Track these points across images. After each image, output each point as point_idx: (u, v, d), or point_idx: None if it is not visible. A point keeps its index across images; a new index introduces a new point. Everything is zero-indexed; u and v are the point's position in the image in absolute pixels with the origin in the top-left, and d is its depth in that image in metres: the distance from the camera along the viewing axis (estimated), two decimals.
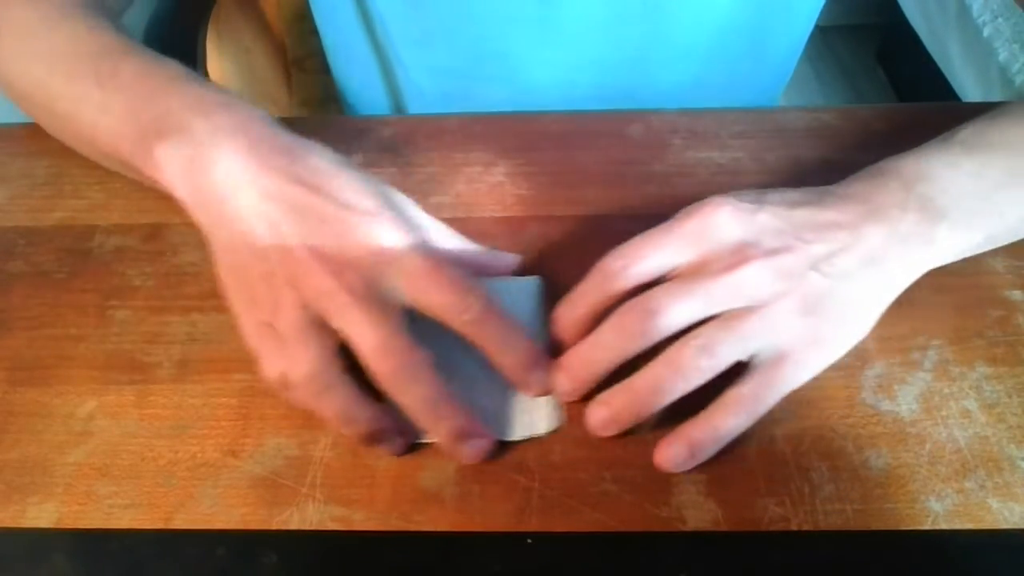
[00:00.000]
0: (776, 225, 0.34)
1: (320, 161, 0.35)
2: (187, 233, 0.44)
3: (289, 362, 0.32)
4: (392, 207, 0.35)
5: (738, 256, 0.33)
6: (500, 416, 0.36)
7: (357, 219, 0.33)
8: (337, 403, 0.33)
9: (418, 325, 0.35)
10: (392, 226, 0.33)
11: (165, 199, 0.45)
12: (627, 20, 0.56)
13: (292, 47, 0.81)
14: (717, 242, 0.34)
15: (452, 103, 0.62)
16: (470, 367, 0.36)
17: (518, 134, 0.48)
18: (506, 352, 0.34)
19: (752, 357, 0.34)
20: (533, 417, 0.36)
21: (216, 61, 0.75)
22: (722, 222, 0.34)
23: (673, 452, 0.33)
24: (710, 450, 0.33)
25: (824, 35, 1.77)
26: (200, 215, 0.34)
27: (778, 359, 0.33)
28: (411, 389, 0.33)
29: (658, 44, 0.58)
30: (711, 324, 0.33)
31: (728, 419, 0.33)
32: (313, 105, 0.83)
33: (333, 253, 0.32)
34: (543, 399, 0.36)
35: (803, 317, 0.33)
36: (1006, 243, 0.39)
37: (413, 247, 0.33)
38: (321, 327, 0.32)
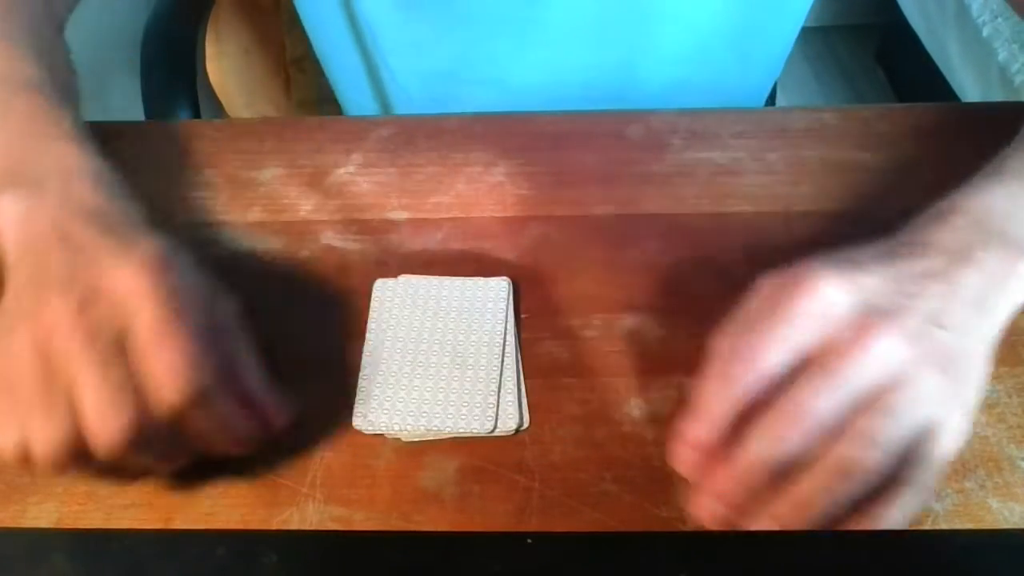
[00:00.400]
0: (882, 286, 0.32)
1: (127, 217, 0.35)
2: (188, 234, 0.44)
3: (31, 425, 0.30)
4: (178, 259, 0.33)
5: (862, 329, 0.30)
6: (467, 412, 0.36)
7: (123, 264, 0.31)
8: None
9: (392, 315, 0.38)
10: (149, 278, 0.31)
11: (165, 199, 0.45)
12: (614, 22, 0.56)
13: (291, 47, 0.81)
14: (834, 317, 0.31)
15: (440, 107, 0.62)
16: (440, 362, 0.37)
17: (518, 134, 0.48)
18: (218, 439, 0.33)
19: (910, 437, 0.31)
20: (502, 415, 0.36)
21: (216, 61, 0.75)
22: (830, 293, 0.31)
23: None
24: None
25: (824, 35, 1.77)
26: (11, 263, 0.34)
27: (933, 431, 0.30)
28: (140, 455, 0.31)
29: (645, 46, 0.58)
30: (864, 413, 0.30)
31: (895, 513, 0.31)
32: (312, 105, 0.83)
33: (88, 288, 0.31)
34: (511, 398, 0.36)
35: (944, 378, 0.31)
36: None
37: (160, 305, 0.31)
38: (56, 376, 0.30)
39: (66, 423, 0.30)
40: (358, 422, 0.36)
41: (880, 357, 0.30)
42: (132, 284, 0.31)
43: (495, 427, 0.35)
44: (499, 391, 0.37)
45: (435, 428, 0.36)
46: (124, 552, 0.33)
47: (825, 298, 0.31)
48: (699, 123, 0.48)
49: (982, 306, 0.32)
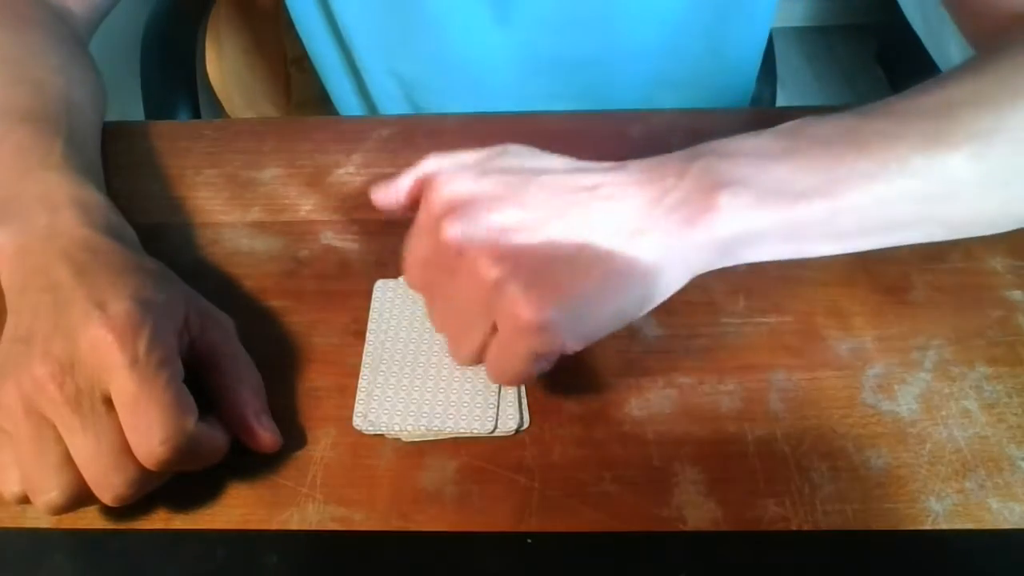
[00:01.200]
0: (499, 183, 0.33)
1: (113, 249, 0.35)
2: (188, 234, 0.44)
3: (33, 480, 0.31)
4: (150, 315, 0.32)
5: (439, 224, 0.32)
6: (467, 412, 0.36)
7: (91, 326, 0.31)
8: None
9: (393, 315, 0.39)
10: (116, 344, 0.31)
11: (165, 199, 0.45)
12: (583, 21, 0.57)
13: (291, 47, 0.81)
14: (426, 213, 0.33)
15: (418, 110, 0.63)
16: (441, 362, 0.38)
17: (517, 134, 0.48)
18: (212, 461, 0.34)
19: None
20: (502, 415, 0.36)
21: (216, 61, 0.75)
22: (438, 190, 0.33)
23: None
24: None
25: (824, 35, 1.77)
26: (9, 300, 0.34)
27: (508, 334, 0.31)
28: (144, 490, 0.32)
29: (615, 42, 0.58)
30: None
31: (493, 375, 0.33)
32: (312, 105, 0.83)
33: (65, 352, 0.31)
34: (511, 398, 0.36)
35: (525, 285, 0.30)
36: (833, 248, 0.33)
37: (130, 374, 0.30)
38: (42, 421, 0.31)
39: (66, 480, 0.31)
40: (358, 422, 0.36)
41: (444, 248, 0.32)
42: (101, 351, 0.30)
43: (495, 427, 0.35)
44: (499, 391, 0.37)
45: (435, 428, 0.36)
46: (124, 552, 0.33)
47: (429, 192, 0.33)
48: (699, 123, 0.48)
49: (638, 231, 0.31)
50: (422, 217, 0.34)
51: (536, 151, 0.36)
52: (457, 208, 0.32)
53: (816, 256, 0.33)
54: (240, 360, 0.36)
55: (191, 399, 0.32)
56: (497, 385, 0.37)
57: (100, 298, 0.32)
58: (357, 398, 0.37)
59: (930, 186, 0.32)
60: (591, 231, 0.32)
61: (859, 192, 0.31)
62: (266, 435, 0.35)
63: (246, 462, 0.35)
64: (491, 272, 0.31)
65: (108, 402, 0.31)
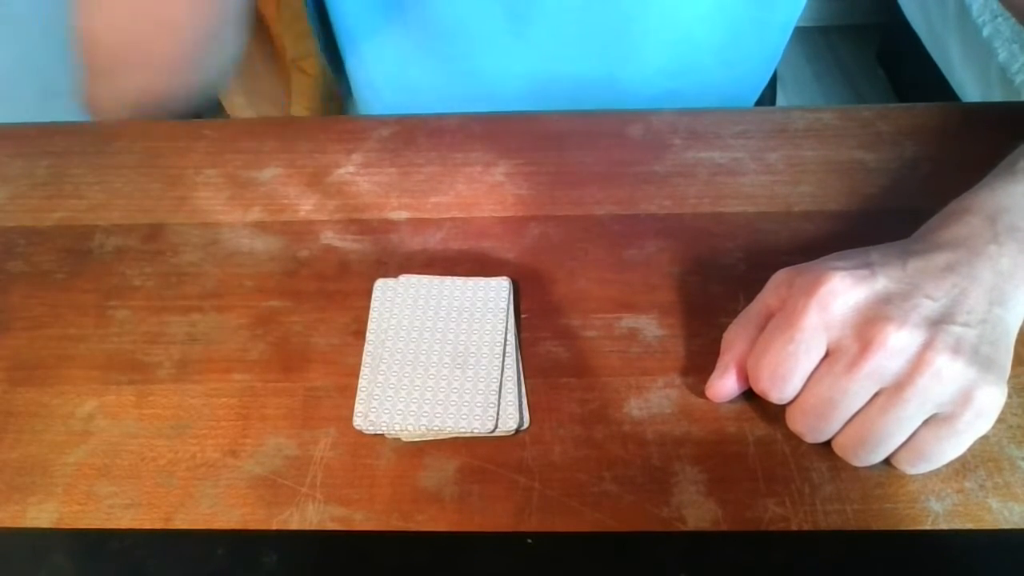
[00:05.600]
0: (898, 288, 0.32)
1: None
2: (187, 233, 0.44)
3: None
4: None
5: (878, 327, 0.31)
6: (467, 412, 0.36)
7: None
8: None
9: (393, 315, 0.38)
10: None
11: (165, 199, 0.45)
12: (597, 35, 0.57)
13: (291, 47, 0.81)
14: (847, 322, 0.32)
15: None
16: (441, 362, 0.38)
17: (518, 134, 0.48)
18: None
19: (931, 415, 0.32)
20: (503, 415, 0.36)
21: None
22: (846, 298, 0.32)
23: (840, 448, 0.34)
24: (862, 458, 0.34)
25: (824, 35, 1.77)
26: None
27: (954, 411, 0.31)
28: None
29: (629, 59, 0.59)
30: (885, 410, 0.32)
31: (902, 466, 0.33)
32: (312, 105, 0.82)
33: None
34: (511, 398, 0.36)
35: (963, 363, 0.31)
36: None
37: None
38: None
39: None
40: (358, 422, 0.36)
41: (892, 352, 0.31)
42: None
43: (495, 427, 0.35)
44: (500, 391, 0.37)
45: (435, 428, 0.36)
46: (124, 552, 0.33)
47: (838, 301, 0.32)
48: (699, 123, 0.48)
49: (997, 300, 0.32)
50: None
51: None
52: (895, 309, 0.32)
53: None
54: None
55: None
56: (497, 385, 0.37)
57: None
58: (357, 398, 0.37)
59: None
60: (983, 310, 0.32)
61: None
62: None
63: (246, 462, 0.35)
64: (951, 365, 0.31)
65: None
